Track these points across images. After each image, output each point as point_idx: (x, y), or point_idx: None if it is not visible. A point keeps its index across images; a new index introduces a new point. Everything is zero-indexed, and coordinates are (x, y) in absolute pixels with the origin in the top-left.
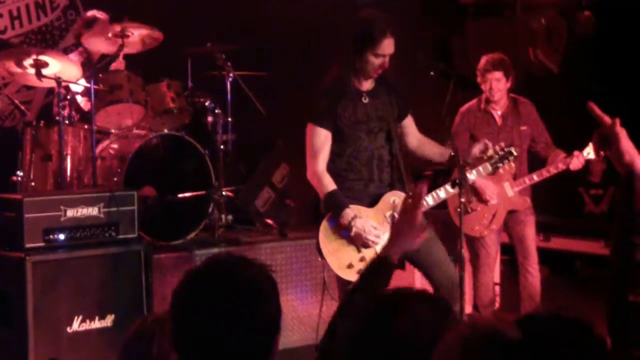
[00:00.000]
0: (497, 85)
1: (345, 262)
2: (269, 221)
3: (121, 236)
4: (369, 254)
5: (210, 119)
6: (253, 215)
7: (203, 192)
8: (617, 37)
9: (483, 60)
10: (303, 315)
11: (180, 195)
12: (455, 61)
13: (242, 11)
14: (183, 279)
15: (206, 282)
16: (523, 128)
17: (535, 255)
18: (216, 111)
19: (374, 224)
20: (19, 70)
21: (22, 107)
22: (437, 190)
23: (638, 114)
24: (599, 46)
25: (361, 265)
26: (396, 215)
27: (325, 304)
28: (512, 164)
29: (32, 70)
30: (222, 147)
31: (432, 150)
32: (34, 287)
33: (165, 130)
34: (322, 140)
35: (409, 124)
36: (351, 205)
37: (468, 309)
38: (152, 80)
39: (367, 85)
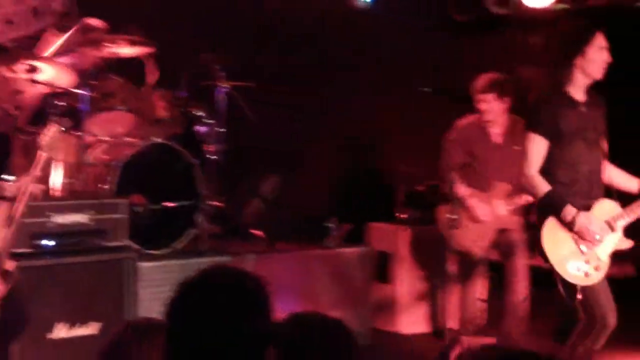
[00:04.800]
0: (490, 106)
1: (572, 265)
2: (257, 232)
3: (109, 244)
4: (592, 257)
5: (202, 129)
6: (241, 226)
7: (192, 201)
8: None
9: (479, 80)
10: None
11: (169, 204)
12: (451, 77)
13: (238, 22)
14: (178, 290)
15: (201, 293)
16: (518, 148)
17: (524, 274)
18: (208, 121)
19: (596, 217)
20: (11, 74)
21: (14, 112)
22: None
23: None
24: None
25: (586, 268)
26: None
27: None
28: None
29: (25, 75)
30: (213, 157)
31: (618, 175)
32: (20, 292)
33: (157, 139)
34: (539, 148)
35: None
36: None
37: (454, 324)
38: (145, 88)
39: (582, 95)
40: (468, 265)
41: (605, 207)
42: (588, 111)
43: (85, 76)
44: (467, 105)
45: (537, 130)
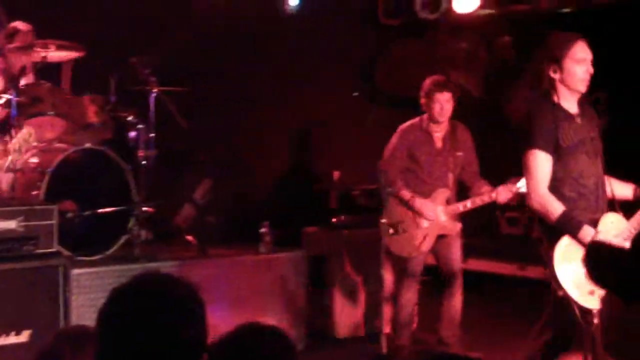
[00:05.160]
0: (447, 106)
1: (586, 289)
2: (190, 237)
3: (39, 250)
4: None
5: (132, 134)
6: (173, 231)
7: (124, 207)
8: None
9: (429, 81)
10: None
11: (100, 210)
12: (380, 81)
13: (167, 27)
14: (110, 297)
15: (134, 300)
16: (459, 154)
17: (461, 279)
18: (139, 126)
19: (615, 233)
20: None
21: None
22: None
23: None
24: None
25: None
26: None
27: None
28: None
29: None
30: (144, 162)
31: (614, 184)
32: None
33: (87, 144)
34: (543, 164)
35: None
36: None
37: (386, 328)
38: (75, 93)
39: (575, 107)
40: (407, 270)
41: (611, 221)
42: (583, 123)
43: (13, 80)
44: (399, 109)
45: (538, 146)
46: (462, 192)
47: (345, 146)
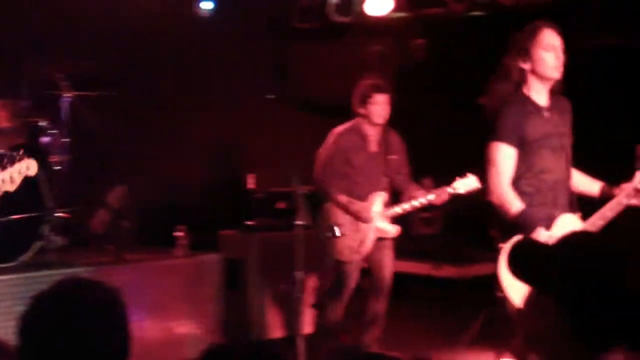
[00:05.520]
0: (386, 108)
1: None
2: (105, 243)
3: None
4: None
5: (45, 139)
6: (88, 237)
7: (38, 213)
8: (451, 63)
9: (366, 83)
10: (141, 338)
11: (13, 217)
12: (294, 84)
13: (80, 32)
14: (30, 304)
15: (54, 306)
16: (393, 157)
17: (390, 285)
18: (52, 131)
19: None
20: None
21: None
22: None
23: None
24: (433, 71)
25: None
26: None
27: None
28: None
29: None
30: (58, 167)
31: (580, 180)
32: None
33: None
34: (507, 158)
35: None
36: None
37: (305, 330)
38: None
39: (544, 99)
40: (344, 273)
41: (566, 222)
42: (552, 116)
43: None
44: (313, 112)
45: (504, 139)
46: (395, 196)
47: (260, 149)
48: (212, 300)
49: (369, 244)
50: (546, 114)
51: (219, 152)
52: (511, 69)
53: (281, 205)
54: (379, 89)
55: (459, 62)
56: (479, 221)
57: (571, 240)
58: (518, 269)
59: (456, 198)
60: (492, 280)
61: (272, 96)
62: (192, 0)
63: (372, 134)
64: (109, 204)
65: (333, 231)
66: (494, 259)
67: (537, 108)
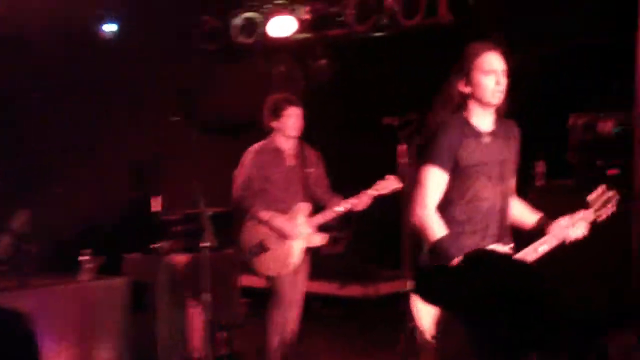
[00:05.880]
0: (299, 121)
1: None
2: (9, 268)
3: None
4: None
5: None
6: None
7: None
8: (354, 84)
9: (276, 97)
10: None
11: None
12: (200, 105)
13: None
14: None
15: None
16: (310, 170)
17: (303, 301)
18: None
19: None
20: None
21: None
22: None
23: (375, 159)
24: (337, 92)
25: None
26: None
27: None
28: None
29: None
30: None
31: (518, 210)
32: None
33: None
34: (437, 182)
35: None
36: None
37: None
38: None
39: (487, 124)
40: (276, 288)
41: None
42: (494, 142)
43: None
44: (219, 133)
45: (436, 162)
46: (317, 209)
47: (166, 171)
48: (120, 324)
49: (297, 256)
50: (486, 139)
51: (124, 174)
52: (452, 92)
53: (187, 227)
54: (291, 102)
55: (362, 83)
56: (384, 241)
57: (476, 257)
58: (427, 291)
59: (368, 215)
60: (398, 299)
61: (177, 118)
62: (96, 22)
63: (288, 147)
64: (12, 229)
65: (259, 248)
66: (399, 278)
67: (476, 133)
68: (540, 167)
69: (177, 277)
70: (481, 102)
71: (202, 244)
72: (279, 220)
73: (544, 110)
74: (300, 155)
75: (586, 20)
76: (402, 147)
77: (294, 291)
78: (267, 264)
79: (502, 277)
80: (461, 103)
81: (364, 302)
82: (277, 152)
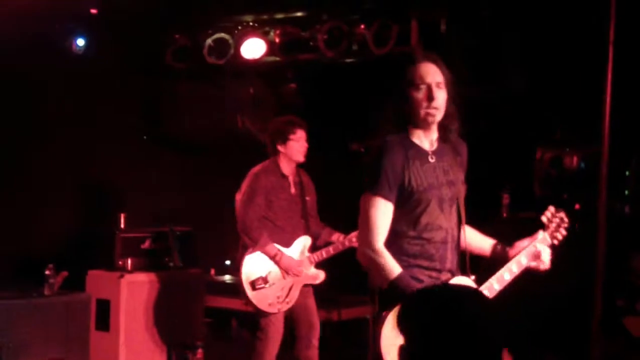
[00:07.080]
0: (305, 144)
1: None
2: None
3: None
4: None
5: None
6: None
7: None
8: (324, 107)
9: (283, 120)
10: None
11: None
12: (167, 125)
13: None
14: None
15: None
16: (308, 198)
17: (319, 327)
18: None
19: None
20: None
21: None
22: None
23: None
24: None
25: None
26: None
27: None
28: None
29: None
30: None
31: (472, 236)
32: None
33: None
34: (382, 214)
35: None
36: None
37: None
38: None
39: (430, 143)
40: (269, 324)
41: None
42: (440, 161)
43: None
44: (187, 152)
45: (379, 191)
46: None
47: (132, 189)
48: (81, 340)
49: (296, 292)
50: (432, 159)
51: (90, 191)
52: (392, 113)
53: (152, 245)
54: (299, 125)
55: (331, 108)
56: (346, 266)
57: (433, 293)
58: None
59: None
60: (359, 324)
61: (145, 136)
62: (66, 36)
63: (290, 174)
64: None
65: (261, 283)
66: (361, 303)
67: (421, 153)
68: (506, 199)
69: (140, 295)
70: (417, 119)
71: (168, 263)
72: (287, 259)
73: (511, 142)
74: (300, 182)
75: (556, 52)
76: None
77: (302, 318)
78: (268, 299)
79: (470, 315)
80: (400, 122)
81: (325, 326)
82: (282, 177)
